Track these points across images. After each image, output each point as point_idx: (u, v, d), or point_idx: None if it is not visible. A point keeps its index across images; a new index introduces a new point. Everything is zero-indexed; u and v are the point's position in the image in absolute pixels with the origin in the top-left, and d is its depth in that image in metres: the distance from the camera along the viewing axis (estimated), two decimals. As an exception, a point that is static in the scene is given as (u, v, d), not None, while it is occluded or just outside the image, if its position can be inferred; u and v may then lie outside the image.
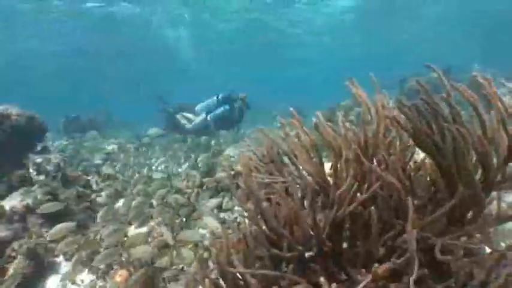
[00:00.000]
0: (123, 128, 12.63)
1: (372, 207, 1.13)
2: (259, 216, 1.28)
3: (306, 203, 1.26)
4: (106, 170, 5.31)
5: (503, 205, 1.56)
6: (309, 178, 1.34)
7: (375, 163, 1.53)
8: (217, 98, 7.57)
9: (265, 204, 1.24)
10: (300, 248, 1.26)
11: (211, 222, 2.78)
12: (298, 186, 1.41)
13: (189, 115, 8.00)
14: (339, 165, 1.44)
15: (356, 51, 25.91)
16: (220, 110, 7.47)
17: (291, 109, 1.61)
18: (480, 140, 1.35)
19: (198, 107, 7.82)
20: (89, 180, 4.96)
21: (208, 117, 7.52)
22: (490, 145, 1.42)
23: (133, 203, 3.47)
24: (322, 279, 1.00)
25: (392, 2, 16.85)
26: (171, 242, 2.63)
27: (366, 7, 17.14)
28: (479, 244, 1.14)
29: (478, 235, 1.26)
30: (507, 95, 7.21)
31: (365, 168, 1.31)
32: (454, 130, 1.20)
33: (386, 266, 1.10)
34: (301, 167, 1.43)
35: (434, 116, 1.23)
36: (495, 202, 1.48)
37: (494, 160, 1.45)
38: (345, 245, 1.51)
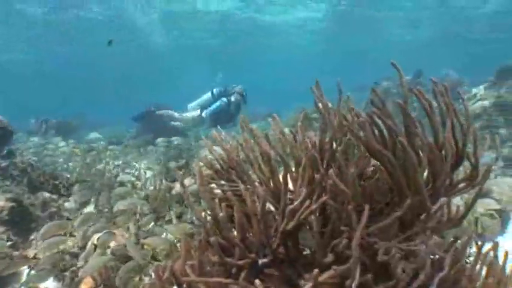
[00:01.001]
0: (97, 130, 12.41)
1: (314, 217, 1.15)
2: (212, 224, 1.29)
3: (258, 211, 1.27)
4: (73, 174, 5.19)
5: (454, 208, 1.63)
6: (261, 187, 1.35)
7: (331, 170, 1.56)
8: (212, 93, 7.14)
9: (217, 212, 1.25)
10: (253, 255, 1.27)
11: (176, 228, 2.77)
12: (252, 193, 1.42)
13: (176, 114, 7.65)
14: (294, 172, 1.47)
15: (331, 56, 26.40)
16: (215, 105, 7.01)
17: (245, 120, 1.61)
18: (430, 148, 1.40)
19: (191, 104, 7.39)
20: (57, 185, 4.83)
21: (204, 114, 7.11)
22: (440, 152, 1.47)
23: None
24: (257, 281, 1.00)
25: (366, 9, 17.23)
26: (137, 256, 2.58)
27: (338, 12, 17.49)
28: (421, 247, 1.17)
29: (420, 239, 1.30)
30: (471, 100, 7.47)
31: (319, 176, 1.33)
32: (403, 143, 1.24)
33: (330, 272, 1.12)
34: (255, 175, 1.45)
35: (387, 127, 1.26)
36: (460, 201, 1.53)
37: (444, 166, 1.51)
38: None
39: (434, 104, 1.51)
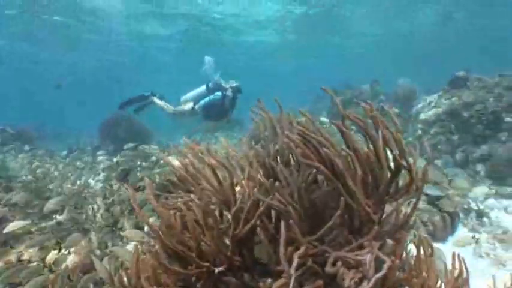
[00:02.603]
0: (55, 140, 12.02)
1: (260, 228, 1.21)
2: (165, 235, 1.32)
3: (209, 221, 1.31)
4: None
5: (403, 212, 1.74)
6: (208, 199, 1.40)
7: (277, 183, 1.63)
8: (207, 86, 6.85)
9: (171, 223, 1.28)
10: (207, 264, 1.32)
11: (135, 234, 2.75)
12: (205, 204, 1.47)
13: (169, 106, 7.31)
14: (243, 182, 1.53)
15: (292, 64, 26.88)
16: (208, 98, 6.73)
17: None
18: (368, 161, 1.50)
19: (185, 96, 7.03)
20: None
21: (196, 107, 6.81)
22: (379, 163, 1.57)
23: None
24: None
25: (327, 17, 17.73)
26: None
27: (300, 21, 17.89)
28: (366, 255, 1.26)
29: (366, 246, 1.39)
30: (426, 107, 7.85)
31: (265, 187, 1.40)
32: (333, 158, 1.33)
33: (281, 281, 1.18)
34: (204, 186, 1.49)
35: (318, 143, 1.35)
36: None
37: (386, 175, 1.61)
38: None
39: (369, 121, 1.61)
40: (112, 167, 6.23)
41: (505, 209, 4.68)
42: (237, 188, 1.49)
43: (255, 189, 1.34)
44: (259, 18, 17.38)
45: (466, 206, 4.51)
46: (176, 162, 1.79)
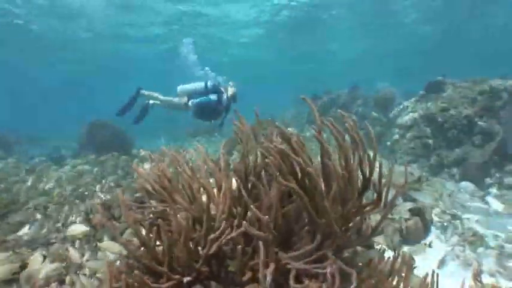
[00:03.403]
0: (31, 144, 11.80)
1: (226, 246, 1.28)
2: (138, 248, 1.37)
3: (182, 234, 1.37)
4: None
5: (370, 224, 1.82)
6: (180, 213, 1.45)
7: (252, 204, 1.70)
8: (206, 84, 6.74)
9: (143, 239, 1.33)
10: (177, 276, 1.37)
11: (113, 246, 2.76)
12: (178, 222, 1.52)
13: (162, 97, 7.18)
14: (219, 197, 1.59)
15: (272, 68, 27.08)
16: (204, 98, 6.65)
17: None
18: (337, 178, 1.58)
19: (182, 87, 6.93)
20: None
21: (190, 103, 6.73)
22: (349, 180, 1.65)
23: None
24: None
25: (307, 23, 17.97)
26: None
27: (279, 25, 18.08)
28: (328, 268, 1.33)
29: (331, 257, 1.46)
30: (403, 112, 8.04)
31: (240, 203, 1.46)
32: (309, 171, 1.40)
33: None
34: (179, 203, 1.55)
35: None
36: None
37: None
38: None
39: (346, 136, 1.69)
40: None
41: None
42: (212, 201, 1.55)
43: (245, 223, 1.39)
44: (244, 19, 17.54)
45: (439, 209, 4.65)
46: (150, 176, 1.83)
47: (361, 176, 1.57)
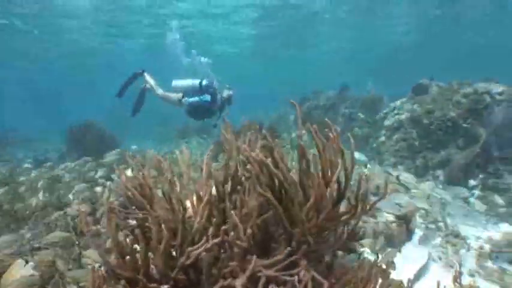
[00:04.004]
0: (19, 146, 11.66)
1: (203, 254, 1.29)
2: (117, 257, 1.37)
3: (159, 242, 1.38)
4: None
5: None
6: (156, 225, 1.46)
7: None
8: (201, 83, 6.61)
9: (123, 249, 1.33)
10: (154, 285, 1.38)
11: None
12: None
13: (160, 90, 7.06)
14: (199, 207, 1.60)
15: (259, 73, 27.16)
16: (198, 98, 6.57)
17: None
18: (313, 188, 1.60)
19: (177, 82, 6.80)
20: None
21: (183, 100, 6.65)
22: (325, 190, 1.67)
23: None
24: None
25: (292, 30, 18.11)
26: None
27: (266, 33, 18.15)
28: (295, 276, 1.35)
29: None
30: (390, 114, 8.14)
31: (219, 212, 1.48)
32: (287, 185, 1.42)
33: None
34: (157, 214, 1.55)
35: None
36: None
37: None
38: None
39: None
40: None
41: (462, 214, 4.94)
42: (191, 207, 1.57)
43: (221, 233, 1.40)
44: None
45: (423, 211, 4.72)
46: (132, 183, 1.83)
47: (337, 185, 1.59)
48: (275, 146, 1.58)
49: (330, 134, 1.66)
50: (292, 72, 28.91)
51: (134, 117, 7.34)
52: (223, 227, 1.50)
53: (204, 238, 1.39)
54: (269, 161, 1.49)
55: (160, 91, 7.00)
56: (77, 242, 3.12)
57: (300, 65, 27.03)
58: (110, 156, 7.44)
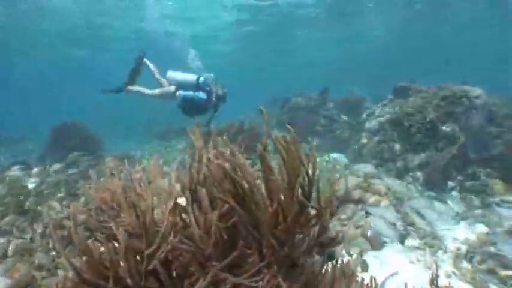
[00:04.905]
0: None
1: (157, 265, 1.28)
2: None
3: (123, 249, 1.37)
4: None
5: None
6: (122, 230, 1.44)
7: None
8: (198, 80, 6.51)
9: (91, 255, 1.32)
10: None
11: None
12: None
13: (148, 90, 6.91)
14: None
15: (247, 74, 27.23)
16: (192, 94, 6.45)
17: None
18: (283, 192, 1.60)
19: (172, 73, 6.70)
20: None
21: (177, 93, 6.52)
22: (292, 196, 1.67)
23: None
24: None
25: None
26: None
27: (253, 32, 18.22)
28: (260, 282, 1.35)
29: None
30: (371, 116, 8.23)
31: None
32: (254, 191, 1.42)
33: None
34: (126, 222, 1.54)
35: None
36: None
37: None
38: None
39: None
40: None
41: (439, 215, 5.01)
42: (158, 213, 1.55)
43: (171, 239, 1.39)
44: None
45: (400, 214, 4.77)
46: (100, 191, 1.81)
47: (300, 190, 1.60)
48: (237, 153, 1.59)
49: (287, 138, 1.67)
50: (275, 73, 29.08)
51: (126, 91, 7.11)
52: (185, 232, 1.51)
53: (163, 244, 1.38)
54: (232, 167, 1.49)
55: (148, 92, 6.90)
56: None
57: (283, 68, 27.21)
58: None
